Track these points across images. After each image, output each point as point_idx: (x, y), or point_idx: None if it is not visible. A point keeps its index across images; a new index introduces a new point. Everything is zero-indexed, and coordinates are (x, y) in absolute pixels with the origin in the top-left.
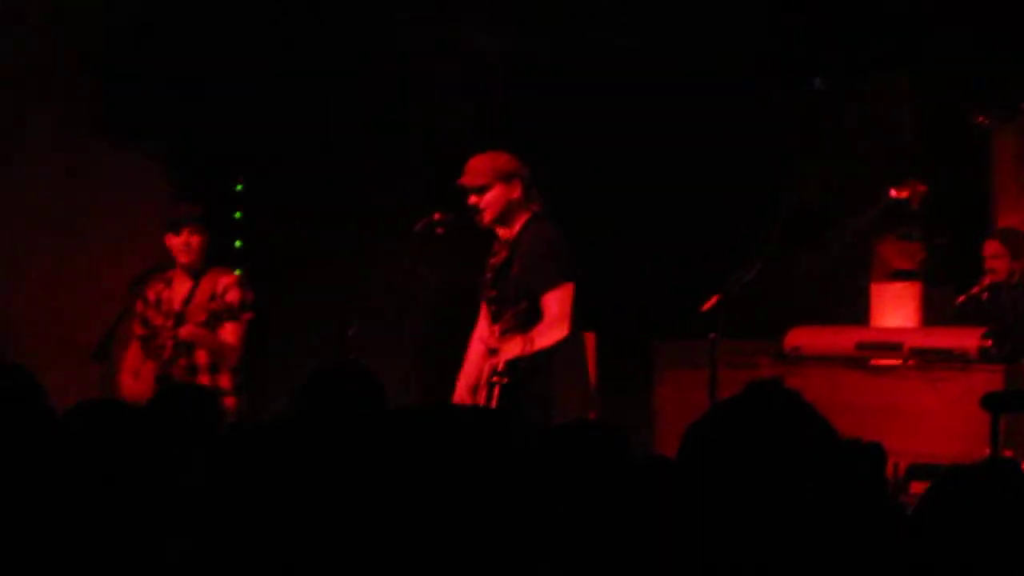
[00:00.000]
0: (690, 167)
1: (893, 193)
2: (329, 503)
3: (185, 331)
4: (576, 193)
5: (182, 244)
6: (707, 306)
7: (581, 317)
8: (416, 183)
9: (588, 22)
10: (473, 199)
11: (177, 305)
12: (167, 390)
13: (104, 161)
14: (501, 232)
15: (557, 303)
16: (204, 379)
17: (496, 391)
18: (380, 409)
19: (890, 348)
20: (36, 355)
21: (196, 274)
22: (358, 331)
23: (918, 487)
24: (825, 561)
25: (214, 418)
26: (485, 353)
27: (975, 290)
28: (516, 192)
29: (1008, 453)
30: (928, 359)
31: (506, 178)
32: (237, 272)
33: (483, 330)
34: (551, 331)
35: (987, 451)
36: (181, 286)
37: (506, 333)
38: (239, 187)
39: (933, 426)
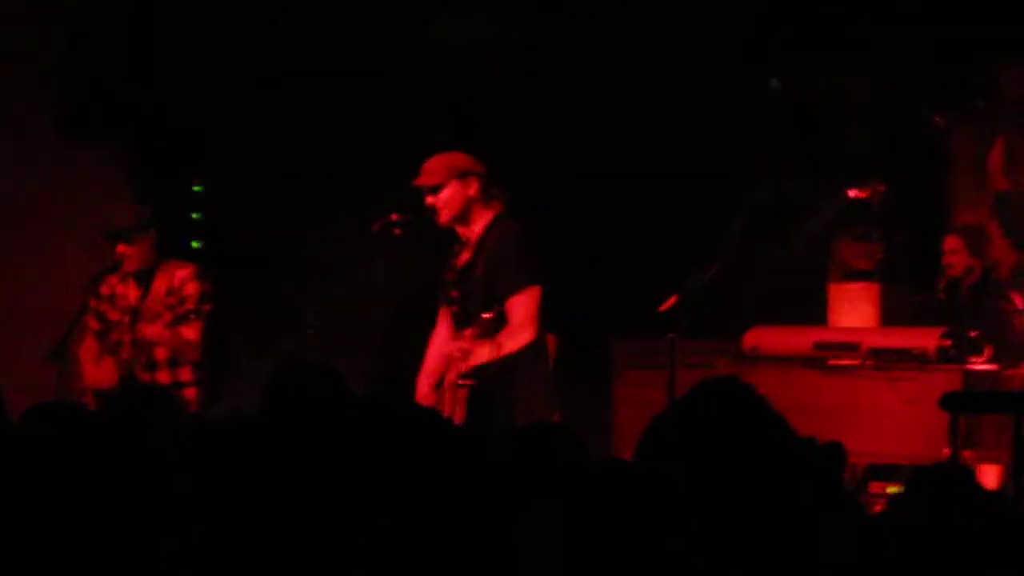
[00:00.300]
0: (648, 166)
1: (852, 193)
2: (291, 497)
3: (148, 332)
4: (534, 192)
5: (129, 252)
6: (666, 306)
7: (545, 319)
8: (378, 182)
9: (551, 18)
10: (430, 199)
11: (133, 300)
12: (123, 391)
13: (61, 161)
14: (462, 231)
15: (523, 307)
16: (164, 374)
17: (462, 393)
18: (343, 404)
19: (848, 348)
20: None
21: (149, 272)
22: (319, 329)
23: (877, 487)
24: (785, 557)
25: (172, 416)
26: (447, 353)
27: (936, 288)
28: (472, 190)
29: (967, 453)
30: (886, 359)
31: (461, 175)
32: (193, 264)
33: (444, 329)
34: (518, 335)
35: (946, 451)
36: (136, 281)
37: (478, 339)
38: (197, 188)
39: (892, 426)
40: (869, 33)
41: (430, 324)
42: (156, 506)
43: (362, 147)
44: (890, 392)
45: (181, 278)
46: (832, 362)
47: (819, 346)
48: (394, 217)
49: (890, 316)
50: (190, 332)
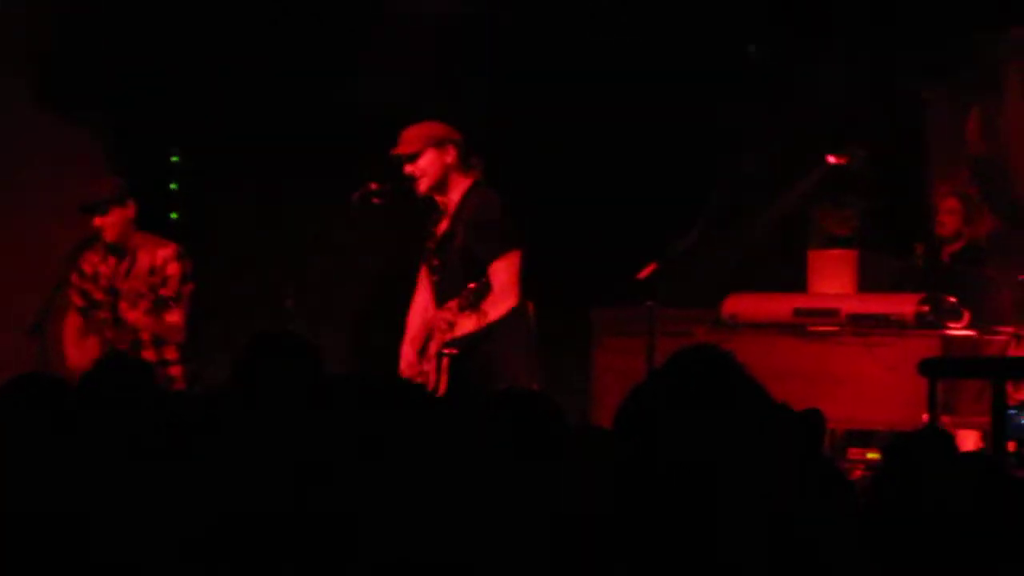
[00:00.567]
0: (627, 133)
1: (831, 159)
2: (267, 469)
3: (130, 317)
4: (513, 160)
5: (105, 224)
6: (644, 273)
7: (527, 285)
8: (357, 154)
9: None
10: (408, 168)
11: (115, 280)
12: (101, 363)
13: (37, 131)
14: (440, 200)
15: (505, 272)
16: (150, 353)
17: (445, 362)
18: (316, 378)
19: (827, 314)
20: None
21: (128, 247)
22: (296, 301)
23: (856, 453)
24: (764, 525)
25: (150, 388)
26: (430, 321)
27: (915, 254)
28: (450, 157)
29: (946, 419)
30: (865, 325)
31: (438, 144)
32: (174, 244)
33: (424, 297)
34: (501, 301)
35: (925, 417)
36: (116, 256)
37: (463, 310)
38: (175, 158)
39: (871, 392)
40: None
41: (408, 294)
42: (134, 477)
43: (342, 118)
44: (869, 358)
45: (163, 257)
46: (811, 329)
47: (798, 313)
48: (373, 187)
49: (868, 282)
50: (173, 317)
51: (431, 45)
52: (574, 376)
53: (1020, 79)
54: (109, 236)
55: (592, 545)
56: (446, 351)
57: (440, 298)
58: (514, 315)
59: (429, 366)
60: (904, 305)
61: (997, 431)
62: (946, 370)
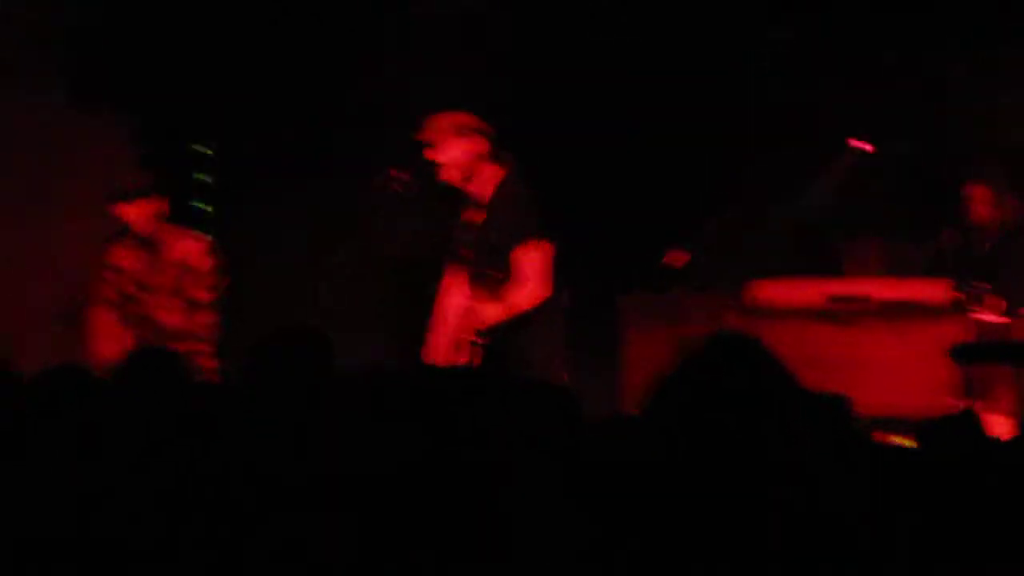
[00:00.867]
0: (657, 120)
1: (854, 143)
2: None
3: (164, 318)
4: (541, 149)
5: (136, 215)
6: (673, 260)
7: (559, 276)
8: (386, 146)
9: None
10: (430, 155)
11: (147, 276)
12: (132, 355)
13: (70, 125)
14: (469, 190)
15: (537, 262)
16: (181, 345)
17: (478, 351)
18: (326, 372)
19: (857, 300)
20: (2, 321)
21: (157, 241)
22: (325, 293)
23: (880, 438)
24: (792, 511)
25: (180, 379)
26: (459, 311)
27: (945, 239)
28: (480, 147)
29: (977, 405)
30: (896, 311)
31: (463, 132)
32: (206, 238)
33: (453, 287)
34: (530, 292)
35: (957, 403)
36: (146, 250)
37: (492, 299)
38: (208, 152)
39: (902, 378)
40: None
41: (434, 283)
42: (152, 467)
43: (376, 112)
44: (900, 344)
45: (197, 253)
46: (841, 314)
47: (829, 298)
48: (393, 173)
49: (900, 268)
50: (206, 316)
51: (459, 31)
52: (601, 365)
53: None
54: (138, 228)
55: (619, 540)
56: (479, 341)
57: (472, 288)
58: (546, 308)
59: (461, 354)
60: (936, 291)
61: None
62: (978, 356)
